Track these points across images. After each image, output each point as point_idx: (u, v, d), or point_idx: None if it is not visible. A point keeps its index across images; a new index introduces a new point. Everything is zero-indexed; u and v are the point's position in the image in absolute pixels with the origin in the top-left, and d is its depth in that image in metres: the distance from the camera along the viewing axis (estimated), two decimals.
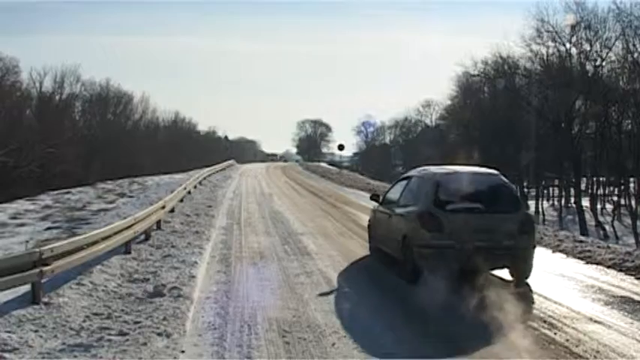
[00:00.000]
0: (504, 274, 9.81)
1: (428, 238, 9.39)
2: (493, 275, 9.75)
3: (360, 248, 13.12)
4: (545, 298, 8.81)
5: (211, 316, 7.62)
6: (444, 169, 10.92)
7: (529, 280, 9.70)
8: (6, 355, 5.96)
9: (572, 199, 46.00)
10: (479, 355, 6.31)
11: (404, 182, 11.39)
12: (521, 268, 9.68)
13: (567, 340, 6.83)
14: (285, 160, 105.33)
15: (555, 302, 8.53)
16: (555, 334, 7.07)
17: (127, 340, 6.45)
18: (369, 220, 12.82)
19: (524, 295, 8.75)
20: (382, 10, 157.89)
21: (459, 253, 9.19)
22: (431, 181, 10.14)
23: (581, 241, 13.78)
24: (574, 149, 42.42)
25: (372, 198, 13.09)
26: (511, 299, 8.00)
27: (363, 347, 6.50)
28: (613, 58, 41.78)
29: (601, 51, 41.85)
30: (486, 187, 9.91)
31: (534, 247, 9.85)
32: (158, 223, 14.47)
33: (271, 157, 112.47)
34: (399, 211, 10.71)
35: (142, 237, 12.75)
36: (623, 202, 42.03)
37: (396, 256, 10.45)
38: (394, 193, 11.55)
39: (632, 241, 34.10)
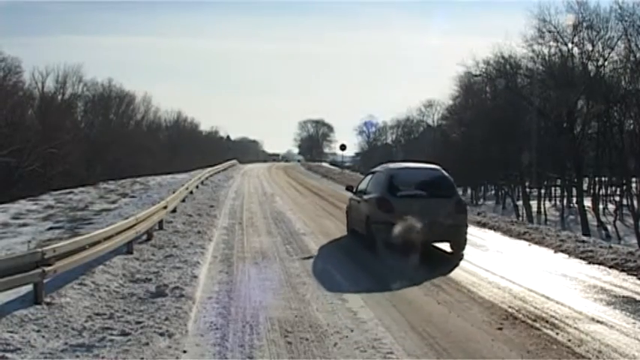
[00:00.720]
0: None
1: (382, 217, 12.09)
2: (434, 247, 12.47)
3: (360, 248, 13.13)
4: (547, 298, 8.81)
5: (213, 316, 7.63)
6: (399, 165, 14.90)
7: (526, 279, 9.80)
8: (8, 355, 5.96)
9: (574, 199, 45.92)
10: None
11: (370, 176, 14.49)
12: (458, 242, 12.35)
13: (569, 340, 6.82)
14: (287, 160, 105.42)
15: (557, 302, 8.53)
16: (557, 334, 7.06)
17: (129, 340, 6.45)
18: (347, 207, 15.49)
19: (451, 261, 11.33)
20: (383, 10, 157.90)
21: (406, 228, 11.44)
22: (386, 174, 13.15)
23: (583, 241, 13.77)
24: (576, 149, 42.35)
25: (347, 189, 16.29)
26: (441, 261, 10.92)
27: (365, 347, 6.51)
28: (615, 58, 41.67)
29: (603, 51, 41.75)
30: (429, 179, 12.91)
31: (467, 225, 12.65)
32: (160, 223, 14.47)
33: (273, 157, 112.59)
34: (365, 197, 13.55)
35: (144, 237, 12.76)
36: (625, 202, 41.94)
37: (361, 232, 13.17)
38: (363, 185, 14.48)
39: (634, 241, 34.04)
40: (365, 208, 13.21)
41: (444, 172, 13.29)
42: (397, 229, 11.59)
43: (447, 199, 12.49)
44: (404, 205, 12.05)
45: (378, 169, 14.41)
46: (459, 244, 12.44)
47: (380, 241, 12.06)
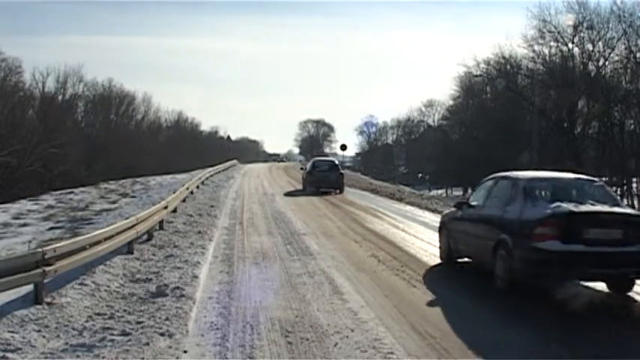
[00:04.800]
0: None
1: (311, 179, 29.85)
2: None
3: (361, 249, 13.14)
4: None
5: (214, 316, 7.63)
6: (320, 159, 34.57)
7: None
8: (9, 355, 5.97)
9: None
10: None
11: (309, 165, 30.90)
12: (340, 188, 29.44)
13: None
14: (288, 160, 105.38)
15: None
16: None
17: (130, 340, 6.45)
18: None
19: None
20: (383, 10, 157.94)
21: (318, 181, 29.27)
22: (312, 162, 32.23)
23: None
24: (576, 149, 42.34)
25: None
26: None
27: (366, 347, 6.51)
28: (616, 58, 41.67)
29: (603, 51, 41.74)
30: (328, 165, 31.38)
31: (344, 183, 30.30)
32: (161, 223, 14.48)
33: (274, 157, 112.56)
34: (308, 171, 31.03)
35: (145, 237, 12.76)
36: (625, 202, 41.90)
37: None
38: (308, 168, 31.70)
39: None
40: (305, 176, 31.24)
41: (336, 161, 32.45)
42: (314, 183, 27.19)
43: (335, 173, 30.66)
44: (317, 174, 29.77)
45: (313, 159, 30.48)
46: (342, 189, 30.00)
47: (307, 187, 29.37)
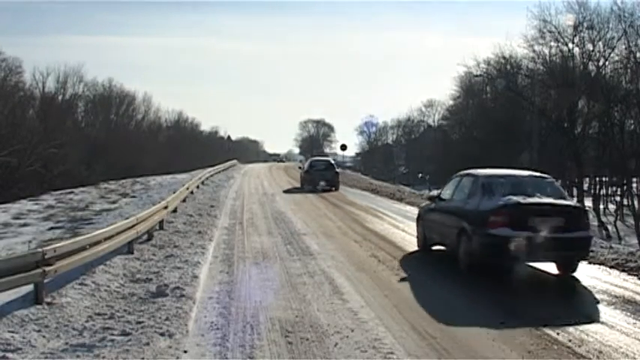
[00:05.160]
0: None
1: (308, 178, 31.34)
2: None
3: (361, 249, 13.14)
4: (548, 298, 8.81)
5: (214, 316, 7.63)
6: (316, 159, 36.91)
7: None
8: (9, 355, 5.97)
9: (575, 199, 45.86)
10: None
11: (307, 164, 34.13)
12: (335, 185, 30.80)
13: (570, 340, 6.82)
14: (288, 160, 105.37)
15: (558, 302, 8.53)
16: (558, 334, 7.06)
17: (130, 340, 6.45)
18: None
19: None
20: (383, 10, 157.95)
21: (315, 180, 30.70)
22: (309, 162, 34.39)
23: None
24: (576, 149, 42.33)
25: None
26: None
27: (366, 347, 6.51)
28: (616, 58, 41.65)
29: (604, 51, 41.70)
30: (325, 164, 32.88)
31: (339, 181, 31.70)
32: (161, 223, 14.48)
33: (274, 157, 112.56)
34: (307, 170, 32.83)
35: (145, 237, 12.76)
36: (625, 202, 41.90)
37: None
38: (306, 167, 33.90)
39: (634, 241, 33.99)
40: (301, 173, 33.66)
41: (332, 161, 34.52)
42: (312, 180, 30.16)
43: (331, 172, 32.26)
44: (314, 173, 32.02)
45: (310, 159, 32.66)
46: (337, 186, 31.63)
47: (306, 185, 31.21)
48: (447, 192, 12.24)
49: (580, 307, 8.75)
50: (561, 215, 10.05)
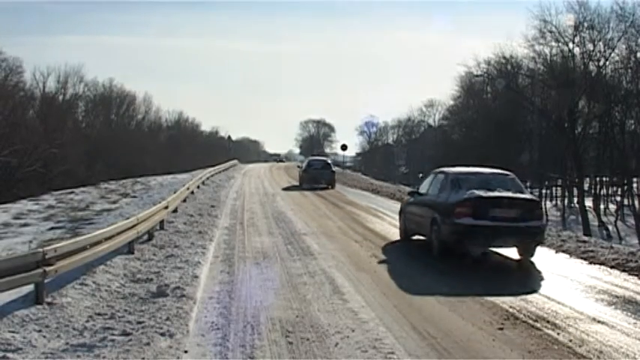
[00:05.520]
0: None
1: (306, 176, 33.32)
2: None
3: (361, 249, 13.13)
4: (548, 298, 8.82)
5: (214, 316, 7.63)
6: (314, 158, 38.63)
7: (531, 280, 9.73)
8: (9, 355, 5.97)
9: (575, 200, 45.90)
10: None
11: (305, 163, 36.38)
12: (332, 183, 32.72)
13: (571, 341, 6.82)
14: (289, 160, 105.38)
15: (558, 302, 8.53)
16: (558, 334, 7.06)
17: (130, 340, 6.45)
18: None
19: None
20: (383, 10, 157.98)
21: (312, 178, 32.90)
22: (307, 161, 36.46)
23: (584, 242, 13.79)
24: (577, 149, 42.35)
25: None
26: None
27: (366, 347, 6.51)
28: (616, 58, 41.73)
29: (604, 51, 41.77)
30: (322, 164, 34.81)
31: (335, 180, 33.59)
32: (161, 223, 14.48)
33: (274, 157, 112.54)
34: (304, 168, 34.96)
35: (145, 237, 12.76)
36: (626, 202, 41.93)
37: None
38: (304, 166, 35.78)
39: (635, 241, 34.02)
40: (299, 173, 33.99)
41: (329, 160, 32.14)
42: (310, 178, 32.71)
43: (328, 171, 33.72)
44: (311, 172, 33.80)
45: (308, 159, 33.35)
46: (333, 185, 33.24)
47: (305, 183, 32.85)
48: (423, 187, 13.77)
49: (524, 282, 10.20)
50: (518, 207, 11.55)
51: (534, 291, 9.37)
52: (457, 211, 11.42)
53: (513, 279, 10.68)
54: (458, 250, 11.71)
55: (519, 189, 12.33)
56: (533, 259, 11.73)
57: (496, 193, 11.66)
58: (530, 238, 11.58)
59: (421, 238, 13.30)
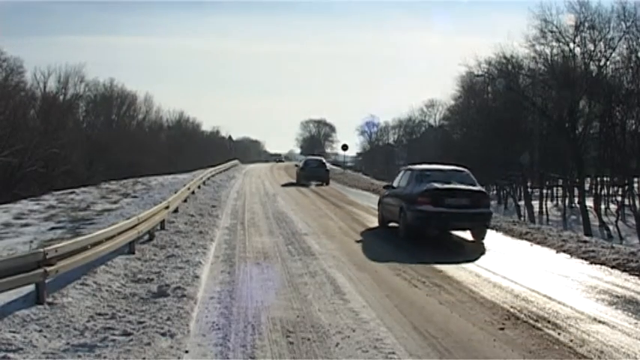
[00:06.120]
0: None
1: (303, 174, 36.77)
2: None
3: (362, 249, 13.13)
4: (549, 298, 8.81)
5: (215, 316, 7.63)
6: (310, 158, 42.95)
7: (528, 279, 9.97)
8: (10, 355, 5.97)
9: (576, 200, 45.89)
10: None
11: (302, 163, 40.11)
12: (326, 181, 36.21)
13: (571, 341, 6.82)
14: (289, 160, 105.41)
15: (559, 302, 8.53)
16: (559, 334, 7.06)
17: (131, 340, 6.45)
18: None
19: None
20: (384, 10, 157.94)
21: (308, 175, 36.48)
22: (304, 160, 40.67)
23: (585, 242, 13.78)
24: (578, 149, 42.31)
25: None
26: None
27: (367, 347, 6.51)
28: (617, 58, 41.67)
29: (605, 51, 41.71)
30: (317, 163, 38.24)
31: (329, 177, 37.18)
32: (162, 223, 14.48)
33: (275, 158, 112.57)
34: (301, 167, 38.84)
35: (146, 237, 12.76)
36: (627, 202, 41.89)
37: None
38: (301, 165, 39.68)
39: (636, 241, 33.99)
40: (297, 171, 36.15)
41: (324, 160, 39.60)
42: (307, 176, 36.38)
43: (323, 169, 37.23)
44: (308, 170, 37.12)
45: (305, 159, 35.50)
46: (328, 181, 36.48)
47: (302, 179, 36.18)
48: (396, 182, 16.32)
49: (469, 256, 12.21)
50: (468, 197, 14.01)
51: (470, 261, 11.67)
52: (419, 200, 13.87)
53: (456, 253, 13.04)
54: (420, 233, 14.27)
55: (471, 182, 14.68)
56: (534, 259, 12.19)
57: (451, 186, 14.13)
58: (479, 222, 14.04)
59: (395, 225, 15.43)
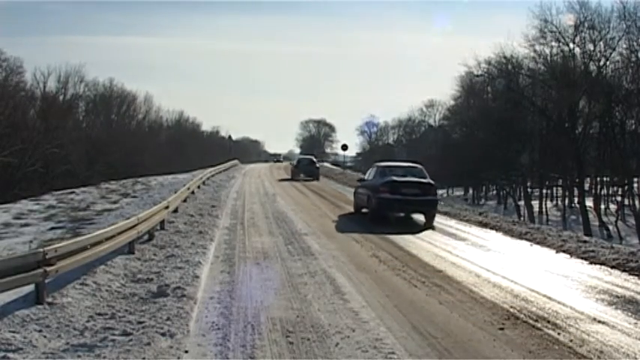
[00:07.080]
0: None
1: (296, 171, 42.66)
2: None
3: (362, 249, 13.13)
4: (549, 298, 8.81)
5: (215, 316, 7.62)
6: (302, 156, 52.70)
7: (527, 279, 9.94)
8: (10, 355, 5.97)
9: (576, 200, 45.88)
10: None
11: (296, 160, 48.28)
12: (316, 176, 41.71)
13: (571, 341, 6.82)
14: (288, 160, 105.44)
15: (559, 302, 8.53)
16: (559, 334, 7.06)
17: (131, 340, 6.45)
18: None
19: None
20: (384, 10, 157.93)
21: (300, 172, 42.20)
22: (297, 159, 48.95)
23: (584, 242, 13.78)
24: (577, 149, 42.30)
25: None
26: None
27: (367, 347, 6.51)
28: (617, 57, 41.65)
29: (605, 51, 41.70)
30: (308, 161, 44.55)
31: (319, 173, 42.68)
32: (162, 223, 14.47)
33: (275, 157, 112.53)
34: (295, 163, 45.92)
35: (146, 237, 12.75)
36: (626, 202, 41.86)
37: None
38: (295, 163, 46.98)
39: (635, 241, 33.98)
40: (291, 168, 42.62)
41: (314, 159, 45.47)
42: (300, 172, 42.01)
43: (314, 167, 42.85)
44: (302, 167, 42.91)
45: (298, 158, 44.63)
46: (318, 177, 41.57)
47: (298, 175, 41.73)
48: (367, 175, 20.59)
49: (415, 233, 15.52)
50: (419, 187, 17.79)
51: (411, 233, 15.34)
52: (381, 190, 17.60)
53: (406, 230, 15.99)
54: (382, 215, 17.81)
55: (423, 176, 18.65)
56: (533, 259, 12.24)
57: (406, 178, 18.11)
58: (428, 207, 17.61)
59: (365, 211, 19.01)
